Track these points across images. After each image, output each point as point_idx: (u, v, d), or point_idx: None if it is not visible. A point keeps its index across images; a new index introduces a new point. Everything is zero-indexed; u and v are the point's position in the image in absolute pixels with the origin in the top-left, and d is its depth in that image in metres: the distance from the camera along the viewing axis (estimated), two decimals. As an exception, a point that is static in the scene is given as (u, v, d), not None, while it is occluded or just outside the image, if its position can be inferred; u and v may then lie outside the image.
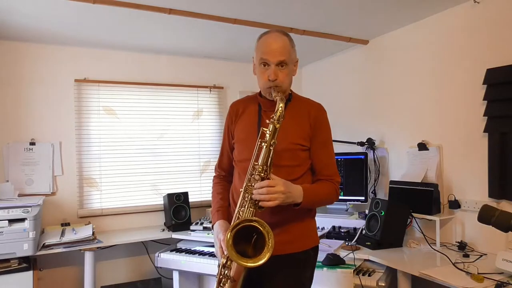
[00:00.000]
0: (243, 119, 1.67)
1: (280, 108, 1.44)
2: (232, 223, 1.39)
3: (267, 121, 1.45)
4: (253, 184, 1.42)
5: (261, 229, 1.34)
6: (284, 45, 1.54)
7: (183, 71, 3.60)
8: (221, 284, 1.46)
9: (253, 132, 1.59)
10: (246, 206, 1.42)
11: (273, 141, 1.43)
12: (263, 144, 1.43)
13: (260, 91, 1.66)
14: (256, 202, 1.41)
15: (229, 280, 1.43)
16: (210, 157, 3.64)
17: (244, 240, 1.37)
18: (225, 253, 1.42)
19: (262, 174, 1.42)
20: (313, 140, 1.60)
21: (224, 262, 1.44)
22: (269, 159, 1.43)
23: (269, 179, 1.42)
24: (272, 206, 1.39)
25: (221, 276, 1.45)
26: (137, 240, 3.00)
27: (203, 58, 3.66)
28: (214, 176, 1.82)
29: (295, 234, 1.56)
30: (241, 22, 2.64)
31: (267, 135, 1.43)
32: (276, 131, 1.43)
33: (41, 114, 3.08)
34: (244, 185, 1.45)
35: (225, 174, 1.78)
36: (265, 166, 1.42)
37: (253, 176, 1.44)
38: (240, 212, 1.43)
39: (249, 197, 1.43)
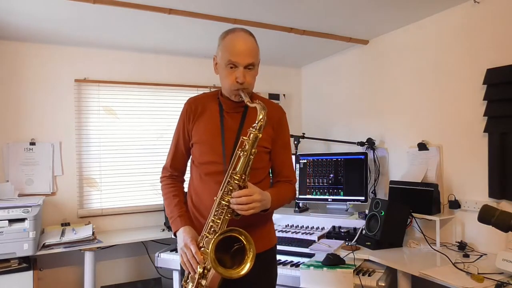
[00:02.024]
0: (203, 119, 1.60)
1: (261, 118, 1.42)
2: (215, 236, 1.35)
3: (248, 130, 1.43)
4: (229, 193, 1.40)
5: (243, 239, 1.36)
6: (253, 47, 1.51)
7: (183, 71, 3.60)
8: None
9: (216, 134, 1.56)
10: (222, 215, 1.41)
11: (253, 150, 1.42)
12: (241, 153, 1.41)
13: (220, 91, 1.62)
14: (233, 210, 1.40)
15: None
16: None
17: (220, 249, 1.36)
18: (206, 265, 1.40)
19: (240, 183, 1.40)
20: (274, 142, 1.61)
21: (201, 272, 1.40)
22: (248, 168, 1.42)
23: (245, 188, 1.41)
24: (247, 215, 1.39)
25: (199, 287, 1.41)
26: (137, 240, 3.00)
27: (203, 58, 3.65)
28: (163, 177, 1.71)
29: (262, 233, 1.58)
30: (241, 22, 2.64)
31: (247, 144, 1.42)
32: (256, 140, 1.42)
33: (41, 114, 3.08)
34: (220, 193, 1.42)
35: (177, 174, 1.71)
36: (243, 175, 1.41)
37: (230, 184, 1.41)
38: (216, 220, 1.41)
39: (225, 205, 1.41)
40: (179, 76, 3.58)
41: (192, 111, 1.62)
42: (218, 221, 1.41)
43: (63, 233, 2.78)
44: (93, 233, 2.79)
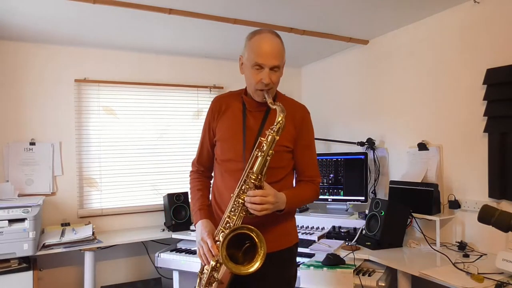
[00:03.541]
0: (226, 117, 1.63)
1: (279, 120, 1.45)
2: (227, 233, 1.39)
3: (267, 132, 1.46)
4: (245, 191, 1.44)
5: (255, 237, 1.38)
6: (279, 49, 1.53)
7: (183, 71, 3.60)
8: (208, 285, 1.47)
9: (238, 132, 1.59)
10: (237, 212, 1.45)
11: (271, 151, 1.45)
12: (259, 153, 1.44)
13: (245, 90, 1.65)
14: (247, 209, 1.44)
15: (216, 282, 1.45)
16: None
17: (234, 245, 1.39)
18: (217, 258, 1.43)
19: (256, 183, 1.44)
20: (297, 142, 1.62)
21: (214, 265, 1.45)
22: (264, 168, 1.45)
23: (261, 187, 1.44)
24: (259, 215, 1.42)
25: (211, 279, 1.46)
26: (137, 240, 3.00)
27: (203, 58, 3.66)
28: (192, 171, 1.78)
29: (278, 232, 1.58)
30: (241, 22, 2.64)
31: (264, 145, 1.44)
32: (274, 142, 1.45)
33: (41, 114, 3.08)
34: (236, 191, 1.46)
35: (203, 169, 1.76)
36: (259, 175, 1.44)
37: (246, 183, 1.45)
38: (231, 216, 1.45)
39: (240, 202, 1.44)
40: (179, 76, 3.58)
41: (217, 109, 1.66)
42: (234, 217, 1.45)
43: (63, 233, 2.78)
44: (93, 233, 2.79)
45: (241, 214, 1.45)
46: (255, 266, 1.37)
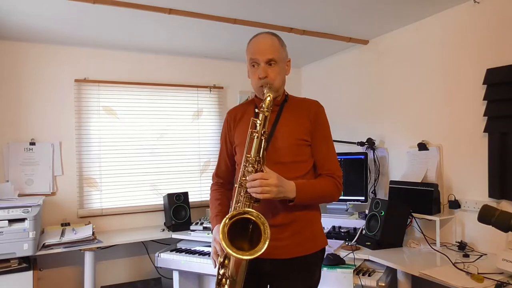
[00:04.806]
0: (242, 123, 1.65)
1: (268, 97, 1.44)
2: (224, 220, 1.34)
3: (256, 110, 1.44)
4: (247, 178, 1.40)
5: (256, 220, 1.32)
6: (273, 43, 1.54)
7: (183, 71, 3.60)
8: (221, 285, 1.45)
9: None
10: (242, 201, 1.41)
11: (264, 130, 1.42)
12: (254, 134, 1.42)
13: (255, 95, 1.66)
14: (251, 196, 1.40)
15: (227, 279, 1.42)
16: (210, 157, 3.63)
17: (240, 236, 1.35)
18: (222, 247, 1.39)
19: (256, 166, 1.40)
20: (313, 135, 1.59)
21: (222, 261, 1.43)
22: (261, 150, 1.42)
23: (262, 171, 1.40)
24: (264, 199, 1.38)
25: (219, 277, 1.44)
26: (137, 240, 3.00)
27: (203, 58, 3.66)
28: (212, 184, 1.82)
29: (306, 236, 1.54)
30: (241, 22, 2.64)
31: (257, 125, 1.42)
32: (266, 120, 1.43)
33: (41, 114, 3.08)
34: (238, 180, 1.44)
35: (222, 181, 1.78)
36: (257, 157, 1.41)
37: (246, 168, 1.42)
38: (237, 208, 1.41)
39: (244, 191, 1.41)
40: (179, 76, 3.58)
41: (232, 119, 1.70)
42: (239, 207, 1.41)
43: (63, 233, 2.78)
44: (93, 233, 2.79)
45: (247, 203, 1.40)
46: (262, 249, 1.28)
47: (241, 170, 1.44)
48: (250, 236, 1.37)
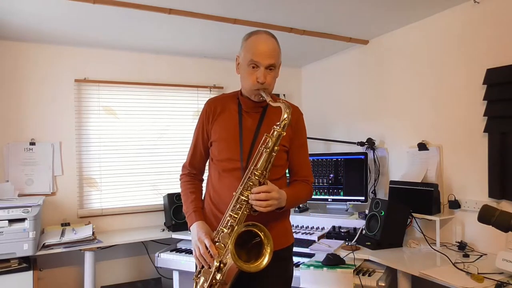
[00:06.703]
0: (222, 118, 1.64)
1: (285, 117, 1.47)
2: (235, 229, 1.40)
3: (272, 128, 1.48)
4: (249, 188, 1.44)
5: (261, 234, 1.39)
6: (274, 48, 1.54)
7: (183, 71, 3.60)
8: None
9: (235, 133, 1.59)
10: (241, 210, 1.44)
11: (276, 147, 1.46)
12: (264, 150, 1.46)
13: (240, 91, 1.65)
14: (251, 206, 1.44)
15: (220, 284, 1.43)
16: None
17: (238, 245, 1.39)
18: (222, 258, 1.42)
19: (261, 179, 1.45)
20: (292, 142, 1.64)
21: (217, 265, 1.43)
22: (269, 165, 1.46)
23: (265, 184, 1.45)
24: (264, 212, 1.43)
25: (213, 281, 1.44)
26: (137, 240, 3.00)
27: (203, 58, 3.66)
28: (183, 174, 1.76)
29: (278, 232, 1.59)
30: (241, 22, 2.64)
31: (270, 141, 1.45)
32: (279, 138, 1.47)
33: (41, 114, 3.08)
34: (240, 189, 1.46)
35: (196, 172, 1.75)
36: (264, 172, 1.46)
37: (250, 180, 1.45)
38: (233, 215, 1.45)
39: (244, 200, 1.44)
40: (179, 76, 3.58)
41: (212, 112, 1.66)
42: (236, 216, 1.45)
43: (63, 233, 2.78)
44: (93, 233, 2.79)
45: (245, 212, 1.44)
46: (264, 262, 1.37)
47: (243, 180, 1.47)
48: (248, 246, 1.42)
